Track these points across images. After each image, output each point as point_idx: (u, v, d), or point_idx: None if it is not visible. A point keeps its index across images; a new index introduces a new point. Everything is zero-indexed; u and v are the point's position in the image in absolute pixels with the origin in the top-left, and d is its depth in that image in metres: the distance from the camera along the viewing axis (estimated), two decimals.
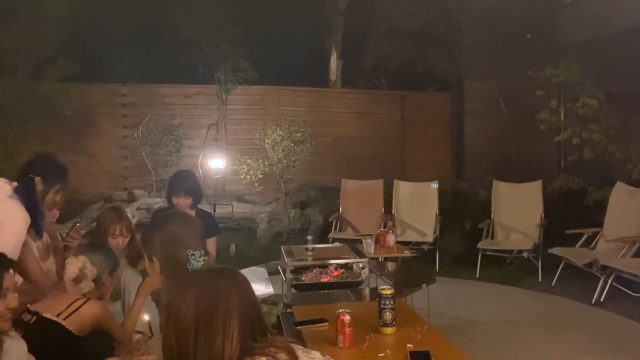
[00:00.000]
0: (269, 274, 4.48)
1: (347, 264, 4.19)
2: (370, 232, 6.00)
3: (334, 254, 4.37)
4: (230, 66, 8.71)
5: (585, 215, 6.43)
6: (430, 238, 6.97)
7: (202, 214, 3.62)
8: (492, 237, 6.88)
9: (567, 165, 7.89)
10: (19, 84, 7.33)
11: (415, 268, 5.81)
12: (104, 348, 2.30)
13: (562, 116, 7.24)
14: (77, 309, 2.30)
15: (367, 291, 3.86)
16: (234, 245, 7.18)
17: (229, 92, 8.93)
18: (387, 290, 2.68)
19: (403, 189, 7.54)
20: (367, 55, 10.99)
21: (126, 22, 8.77)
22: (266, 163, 8.25)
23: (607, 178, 6.58)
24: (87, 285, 2.44)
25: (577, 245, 6.02)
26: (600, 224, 6.05)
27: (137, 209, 7.63)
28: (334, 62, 10.79)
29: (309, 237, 4.99)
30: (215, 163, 7.15)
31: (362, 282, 3.96)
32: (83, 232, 3.30)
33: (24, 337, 2.18)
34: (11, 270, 1.96)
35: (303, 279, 4.02)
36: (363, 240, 5.02)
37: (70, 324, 2.25)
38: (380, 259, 5.15)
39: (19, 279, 2.37)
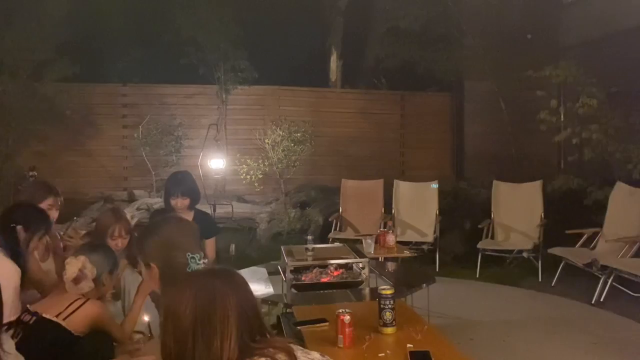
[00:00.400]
0: (269, 274, 4.47)
1: (347, 264, 4.19)
2: (370, 232, 6.00)
3: (334, 254, 4.37)
4: (230, 66, 8.71)
5: (585, 215, 6.43)
6: (430, 238, 6.97)
7: (201, 215, 3.63)
8: (492, 237, 6.87)
9: (567, 165, 7.89)
10: (19, 84, 7.33)
11: (415, 268, 5.82)
12: (104, 348, 2.30)
13: (562, 116, 7.24)
14: (76, 309, 2.30)
15: (367, 291, 3.86)
16: (233, 245, 7.18)
17: (229, 92, 8.94)
18: (387, 290, 2.68)
19: (403, 189, 7.54)
20: (367, 56, 10.98)
21: (126, 22, 8.76)
22: (266, 163, 8.25)
23: (607, 178, 6.58)
24: (87, 285, 2.44)
25: (577, 245, 6.02)
26: (600, 224, 6.05)
27: (137, 209, 7.63)
28: (334, 62, 10.79)
29: (309, 237, 4.99)
30: (215, 163, 7.15)
31: (362, 282, 3.96)
32: (82, 231, 3.29)
33: (23, 337, 2.19)
34: None
35: (303, 279, 4.02)
36: (363, 240, 5.02)
37: (70, 324, 2.25)
38: (380, 259, 5.15)
39: None
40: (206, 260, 1.85)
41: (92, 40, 8.57)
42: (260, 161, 8.27)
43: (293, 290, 3.92)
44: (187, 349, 1.32)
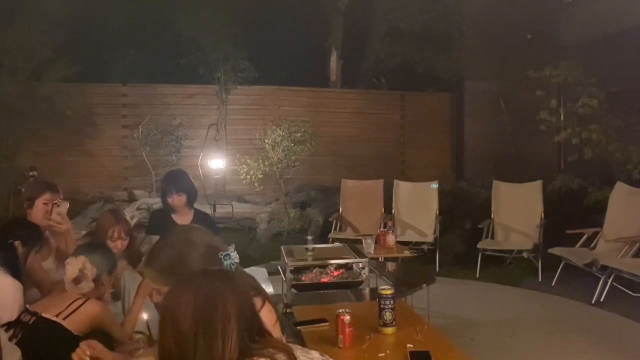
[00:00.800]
0: (269, 274, 4.49)
1: (347, 264, 4.19)
2: (370, 232, 6.01)
3: (334, 254, 4.38)
4: (230, 66, 8.71)
5: (585, 215, 6.43)
6: (430, 238, 6.97)
7: (200, 215, 3.62)
8: (492, 237, 6.88)
9: (567, 165, 7.89)
10: (19, 84, 7.33)
11: (415, 268, 5.82)
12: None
13: (562, 116, 7.23)
14: (76, 309, 2.30)
15: (367, 291, 3.86)
16: (233, 245, 7.18)
17: (229, 92, 8.94)
18: (387, 290, 2.68)
19: (403, 189, 7.54)
20: (367, 55, 10.98)
21: (126, 22, 8.76)
22: (266, 163, 8.25)
23: (607, 178, 6.58)
24: (87, 285, 2.44)
25: (577, 245, 6.02)
26: (600, 224, 6.05)
27: (137, 209, 7.63)
28: (334, 62, 10.79)
29: (309, 237, 4.99)
30: (215, 163, 7.15)
31: (362, 282, 3.96)
32: (66, 207, 3.13)
33: (23, 337, 2.19)
34: None
35: (303, 279, 4.02)
36: (363, 240, 5.02)
37: (70, 324, 2.25)
38: (380, 259, 5.15)
39: None
40: (237, 254, 1.68)
41: (92, 40, 8.56)
42: (260, 161, 8.27)
43: (293, 290, 3.92)
44: (189, 351, 1.31)
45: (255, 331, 1.39)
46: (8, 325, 2.25)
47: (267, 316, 1.61)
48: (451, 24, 8.78)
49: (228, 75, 8.75)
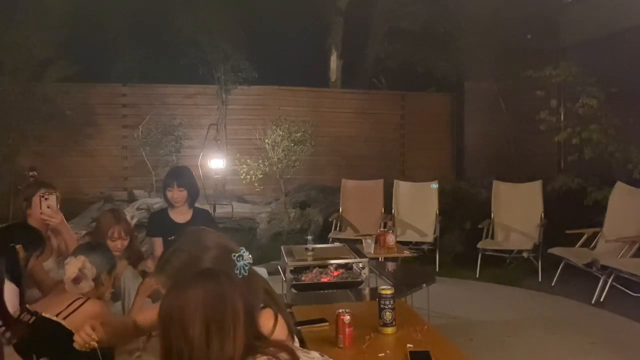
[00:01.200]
0: (269, 274, 4.49)
1: (347, 264, 4.19)
2: (370, 232, 6.01)
3: (334, 254, 4.37)
4: (230, 66, 8.71)
5: (585, 215, 6.43)
6: (430, 238, 6.97)
7: (200, 212, 3.61)
8: (492, 237, 6.87)
9: (567, 165, 7.88)
10: (19, 84, 7.33)
11: (415, 268, 5.82)
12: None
13: (562, 116, 7.24)
14: (76, 309, 2.30)
15: (367, 291, 3.86)
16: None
17: (229, 92, 8.94)
18: (387, 290, 2.68)
19: (403, 189, 7.54)
20: (367, 55, 10.98)
21: (126, 22, 8.76)
22: (266, 163, 8.25)
23: (607, 178, 6.58)
24: (87, 285, 2.44)
25: (577, 245, 6.02)
26: (600, 224, 6.04)
27: (137, 209, 7.62)
28: (334, 62, 10.79)
29: (309, 237, 4.98)
30: (215, 163, 7.14)
31: (362, 282, 3.96)
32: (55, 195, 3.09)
33: (23, 336, 2.19)
34: None
35: (303, 279, 4.02)
36: (363, 240, 5.02)
37: (70, 324, 2.25)
38: (380, 259, 5.15)
39: None
40: (250, 255, 1.67)
41: (92, 40, 8.55)
42: (260, 161, 8.27)
43: (293, 290, 3.92)
44: (201, 349, 1.30)
45: (255, 330, 1.39)
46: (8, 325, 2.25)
47: (280, 330, 1.58)
48: (451, 24, 8.78)
49: (228, 75, 8.75)
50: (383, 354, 2.43)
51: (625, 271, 5.20)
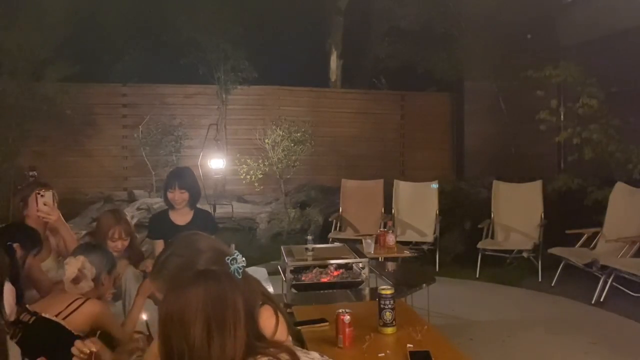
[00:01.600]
0: (269, 274, 4.49)
1: (347, 264, 4.19)
2: (370, 232, 6.01)
3: (334, 254, 4.37)
4: (230, 66, 8.70)
5: (585, 215, 6.43)
6: (430, 238, 6.97)
7: (201, 213, 3.59)
8: (492, 237, 6.88)
9: (567, 165, 7.88)
10: (19, 84, 7.33)
11: (415, 268, 5.82)
12: None
13: (562, 116, 7.23)
14: (76, 309, 2.30)
15: (367, 291, 3.86)
16: (233, 245, 7.17)
17: (229, 92, 8.93)
18: (387, 290, 2.68)
19: (403, 189, 7.54)
20: (367, 55, 10.98)
21: (126, 22, 8.76)
22: (266, 163, 8.25)
23: (607, 178, 6.58)
24: (86, 285, 2.44)
25: (577, 245, 6.02)
26: (600, 224, 6.05)
27: (137, 209, 7.63)
28: (334, 62, 10.79)
29: (309, 237, 4.99)
30: (215, 163, 7.14)
31: (362, 282, 3.96)
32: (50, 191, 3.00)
33: (22, 337, 2.19)
34: None
35: (303, 279, 4.02)
36: (363, 240, 5.02)
37: (70, 324, 2.25)
38: (380, 259, 5.15)
39: None
40: (243, 258, 1.69)
41: (92, 40, 8.55)
42: (260, 161, 8.27)
43: (293, 290, 3.92)
44: (203, 349, 1.30)
45: (256, 330, 1.39)
46: (8, 325, 2.24)
47: (282, 329, 1.59)
48: (451, 24, 8.78)
49: (228, 75, 8.75)
50: (383, 354, 2.43)
51: (625, 271, 5.20)
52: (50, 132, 8.04)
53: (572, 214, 6.61)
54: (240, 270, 1.62)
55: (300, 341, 2.53)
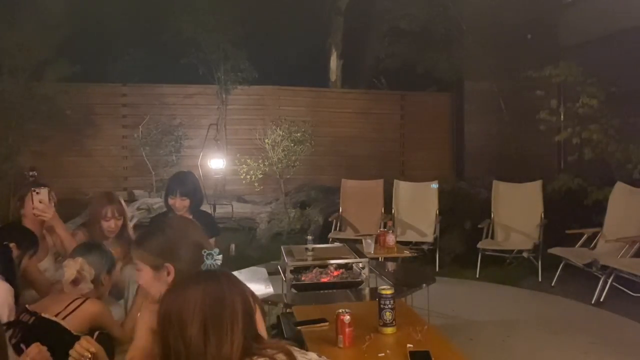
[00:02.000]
0: (269, 274, 4.47)
1: (347, 264, 4.19)
2: (370, 232, 6.00)
3: (334, 254, 4.37)
4: (230, 66, 8.70)
5: (585, 215, 6.43)
6: (430, 238, 6.97)
7: (201, 214, 3.52)
8: (492, 237, 6.87)
9: (567, 165, 7.88)
10: (19, 84, 7.33)
11: (415, 268, 5.82)
12: (104, 347, 2.30)
13: (562, 116, 7.23)
14: (76, 309, 2.30)
15: (367, 291, 3.86)
16: (233, 245, 7.20)
17: (229, 92, 8.93)
18: (387, 290, 2.68)
19: (403, 189, 7.54)
20: (367, 55, 10.98)
21: (126, 22, 8.76)
22: (266, 163, 8.25)
23: (607, 178, 6.58)
24: (86, 287, 2.44)
25: (577, 245, 6.01)
26: (600, 224, 6.04)
27: (137, 209, 7.63)
28: (334, 62, 10.79)
29: (309, 237, 4.98)
30: (215, 163, 7.15)
31: (362, 282, 3.96)
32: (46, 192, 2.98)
33: (22, 337, 2.19)
34: None
35: (303, 279, 4.02)
36: (363, 240, 5.02)
37: (69, 324, 2.25)
38: (380, 259, 5.15)
39: None
40: (221, 256, 1.76)
41: (92, 40, 8.55)
42: (260, 161, 8.27)
43: (293, 290, 3.92)
44: (199, 350, 1.30)
45: (253, 331, 1.39)
46: (8, 325, 2.25)
47: (259, 322, 1.63)
48: (451, 24, 8.78)
49: (228, 75, 8.75)
50: (383, 354, 2.43)
51: (625, 271, 5.20)
52: (50, 132, 8.03)
53: (572, 214, 6.61)
54: (214, 267, 1.68)
55: (300, 341, 2.53)
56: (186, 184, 3.41)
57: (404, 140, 10.14)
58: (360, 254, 4.31)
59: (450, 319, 4.98)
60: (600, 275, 5.41)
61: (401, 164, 10.05)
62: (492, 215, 7.00)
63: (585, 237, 6.03)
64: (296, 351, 1.45)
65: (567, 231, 6.11)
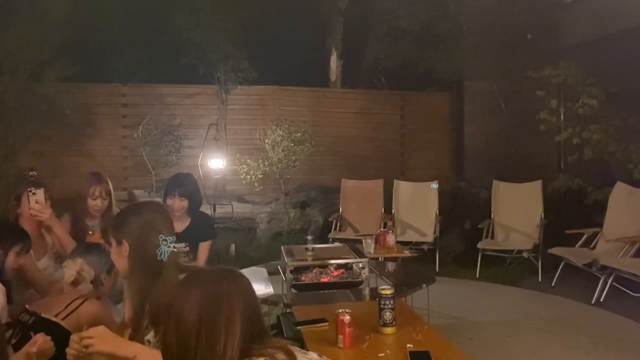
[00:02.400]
0: (269, 274, 4.47)
1: (347, 264, 4.19)
2: (370, 232, 6.00)
3: (334, 254, 4.37)
4: (230, 66, 8.70)
5: (585, 215, 6.43)
6: (430, 238, 6.97)
7: (200, 216, 3.51)
8: (492, 237, 6.87)
9: (567, 165, 7.88)
10: (19, 84, 7.32)
11: (415, 268, 5.81)
12: None
13: (562, 116, 7.23)
14: (75, 309, 2.30)
15: (367, 291, 3.85)
16: (234, 245, 7.20)
17: (229, 92, 8.93)
18: (387, 290, 2.68)
19: (403, 189, 7.54)
20: (367, 55, 10.98)
21: (126, 22, 8.76)
22: (266, 163, 8.24)
23: (607, 178, 6.58)
24: (86, 288, 2.44)
25: (577, 245, 6.02)
26: (600, 224, 6.05)
27: None
28: (334, 62, 10.79)
29: (309, 237, 4.99)
30: (215, 163, 7.14)
31: (362, 282, 3.96)
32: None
33: (21, 337, 2.18)
34: None
35: (303, 279, 4.01)
36: (363, 240, 5.02)
37: (69, 324, 2.25)
38: (380, 259, 5.15)
39: None
40: (176, 245, 1.91)
41: (92, 40, 8.55)
42: (260, 161, 8.27)
43: (293, 290, 3.91)
44: (190, 350, 1.31)
45: (257, 332, 1.39)
46: (7, 326, 2.24)
47: None
48: (451, 24, 8.78)
49: (228, 75, 8.75)
50: (383, 354, 2.43)
51: (625, 271, 5.20)
52: (50, 132, 8.02)
53: (572, 214, 6.61)
54: (164, 255, 1.84)
55: (300, 341, 2.53)
56: (185, 185, 3.40)
57: (404, 141, 10.14)
58: (360, 254, 4.31)
59: (450, 319, 4.97)
60: (600, 275, 5.41)
61: (401, 164, 10.05)
62: (492, 215, 7.00)
63: (585, 237, 6.03)
64: (297, 351, 1.45)
65: (567, 231, 6.11)
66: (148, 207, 2.05)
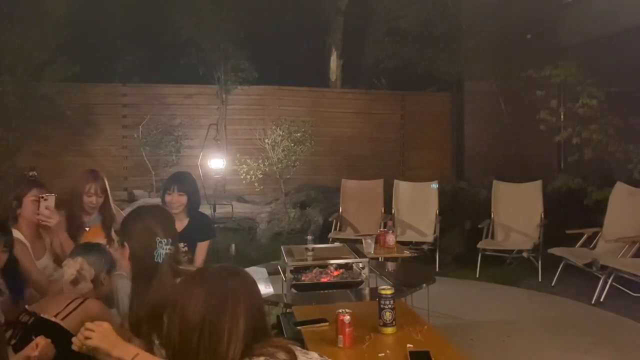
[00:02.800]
0: (269, 274, 4.48)
1: (347, 264, 4.19)
2: (370, 232, 6.00)
3: (334, 254, 4.37)
4: (230, 66, 8.71)
5: (585, 215, 6.43)
6: (430, 238, 6.97)
7: (199, 216, 3.49)
8: (492, 237, 6.87)
9: (567, 165, 7.88)
10: (19, 84, 7.32)
11: (415, 268, 5.81)
12: None
13: (562, 116, 7.23)
14: (75, 309, 2.30)
15: (367, 291, 3.86)
16: (234, 245, 7.17)
17: (229, 92, 8.93)
18: (387, 290, 2.68)
19: (403, 189, 7.54)
20: (367, 55, 10.98)
21: (126, 22, 8.76)
22: (266, 163, 8.24)
23: (607, 178, 6.58)
24: (86, 287, 2.44)
25: (577, 245, 6.02)
26: (600, 224, 6.04)
27: None
28: (334, 62, 10.79)
29: (309, 237, 4.98)
30: (215, 163, 7.14)
31: (362, 282, 3.96)
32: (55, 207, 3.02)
33: (21, 337, 2.18)
34: None
35: (303, 279, 4.02)
36: (363, 240, 5.02)
37: (68, 324, 2.25)
38: (380, 259, 5.15)
39: None
40: (172, 247, 1.96)
41: (92, 40, 8.55)
42: (260, 161, 8.26)
43: (293, 290, 3.91)
44: (192, 346, 1.31)
45: (260, 332, 1.39)
46: (7, 326, 2.24)
47: None
48: (451, 24, 8.78)
49: (228, 75, 8.75)
50: (383, 354, 2.43)
51: (625, 271, 5.20)
52: (50, 132, 8.03)
53: (572, 214, 6.61)
54: (161, 256, 1.89)
55: (300, 341, 2.53)
56: (184, 181, 3.38)
57: (404, 140, 10.14)
58: (360, 254, 4.31)
59: (450, 319, 4.97)
60: (600, 275, 5.41)
61: (401, 164, 10.05)
62: (492, 215, 7.00)
63: (585, 237, 6.03)
64: (298, 350, 1.45)
65: (567, 231, 6.11)
66: (151, 211, 2.11)
